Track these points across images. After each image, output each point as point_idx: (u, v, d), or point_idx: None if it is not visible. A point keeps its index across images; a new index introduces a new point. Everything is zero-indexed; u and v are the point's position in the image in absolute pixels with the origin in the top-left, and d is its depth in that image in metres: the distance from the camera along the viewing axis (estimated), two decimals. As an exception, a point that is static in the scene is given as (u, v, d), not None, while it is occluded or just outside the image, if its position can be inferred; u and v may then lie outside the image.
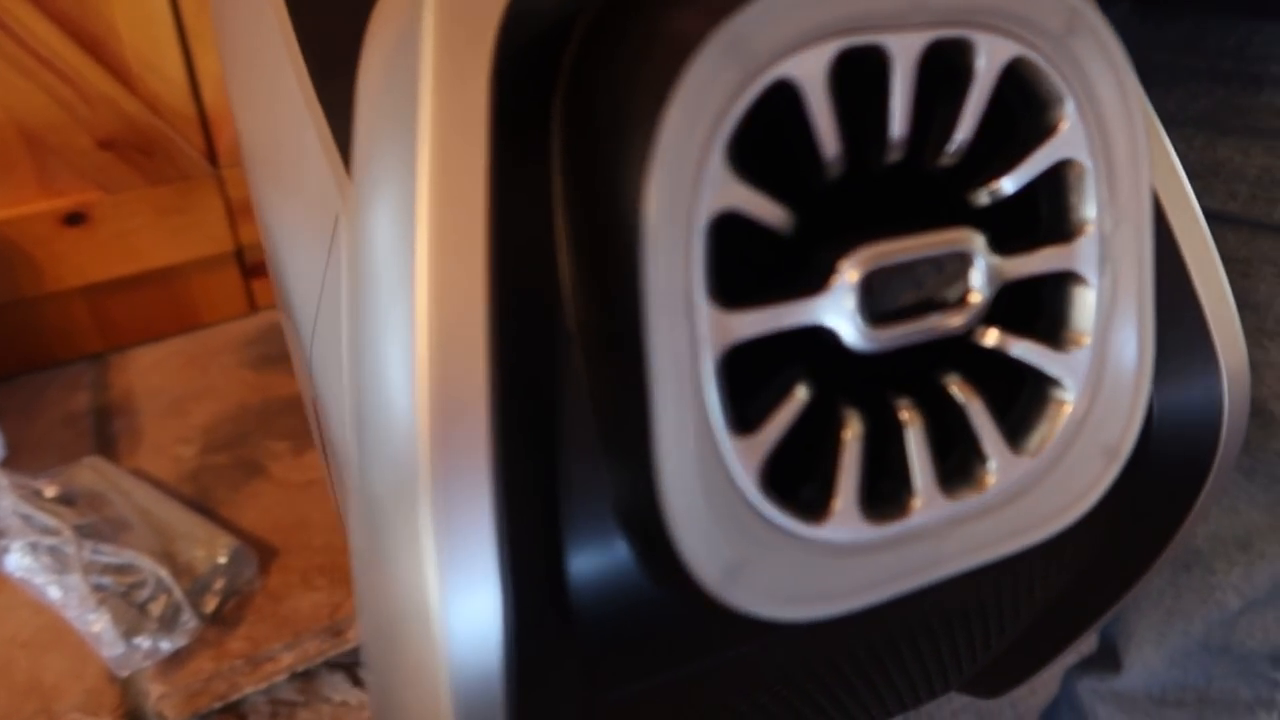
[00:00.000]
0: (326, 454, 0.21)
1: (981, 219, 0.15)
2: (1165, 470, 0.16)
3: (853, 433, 0.15)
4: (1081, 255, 0.16)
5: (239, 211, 0.83)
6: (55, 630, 0.62)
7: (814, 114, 0.14)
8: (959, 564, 0.16)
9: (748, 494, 0.14)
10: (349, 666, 0.76)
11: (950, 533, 0.15)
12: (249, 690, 0.63)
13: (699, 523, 0.14)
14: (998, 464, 0.16)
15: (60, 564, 0.58)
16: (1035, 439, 0.16)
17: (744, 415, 0.14)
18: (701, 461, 0.14)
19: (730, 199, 0.14)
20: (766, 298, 0.14)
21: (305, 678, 0.73)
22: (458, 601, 0.13)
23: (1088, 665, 0.65)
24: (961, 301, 0.15)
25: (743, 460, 0.14)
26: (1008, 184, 0.16)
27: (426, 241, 0.13)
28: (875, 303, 0.14)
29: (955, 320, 0.15)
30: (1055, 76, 0.15)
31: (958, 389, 0.16)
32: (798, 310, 0.14)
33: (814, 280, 0.14)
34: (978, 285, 0.15)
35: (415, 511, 0.13)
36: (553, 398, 0.14)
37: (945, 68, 0.15)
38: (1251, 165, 0.44)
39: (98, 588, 0.57)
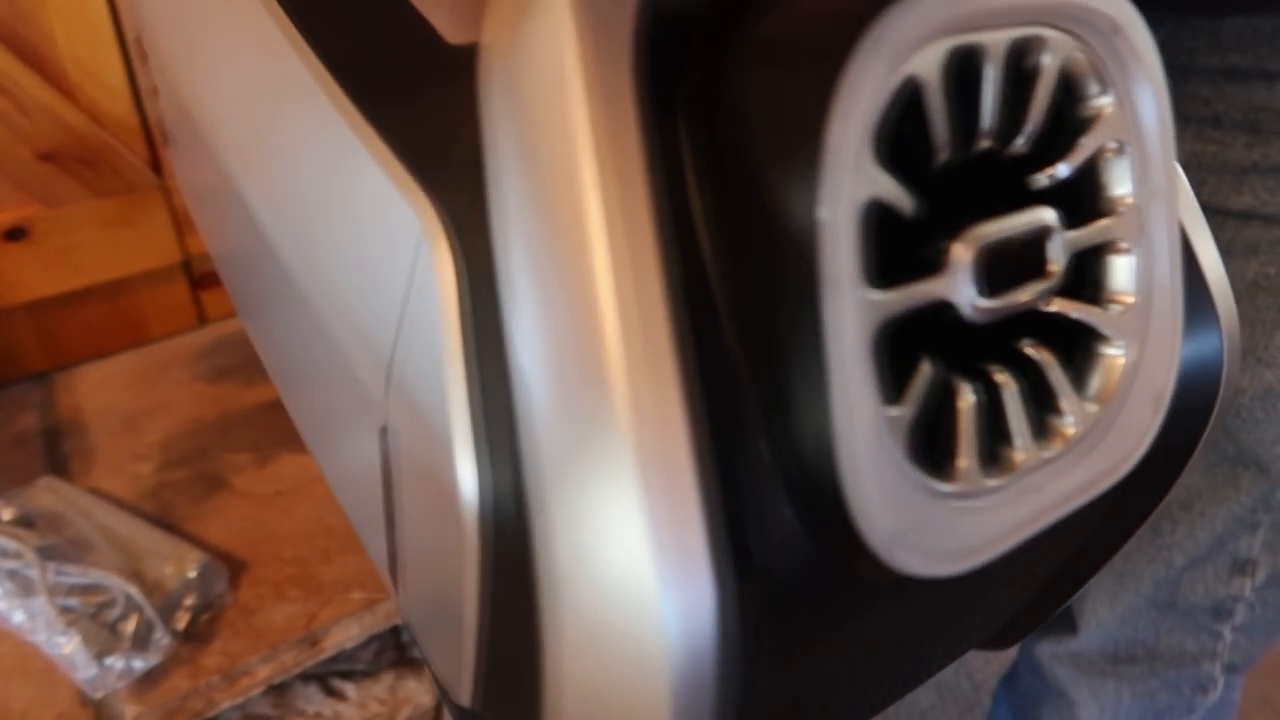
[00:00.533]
0: (392, 479, 0.21)
1: (1040, 199, 0.17)
2: (1178, 416, 0.18)
3: (967, 401, 0.16)
4: (1124, 227, 0.18)
5: (187, 222, 0.81)
6: (19, 656, 0.60)
7: (933, 107, 0.15)
8: (1057, 512, 0.17)
9: (903, 462, 0.15)
10: (322, 677, 0.75)
11: (1047, 484, 0.17)
12: (225, 706, 0.62)
13: (870, 493, 0.15)
14: (1074, 417, 0.18)
15: (23, 588, 0.57)
16: (1099, 392, 0.18)
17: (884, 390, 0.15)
18: (870, 435, 0.15)
19: (876, 188, 0.15)
20: (899, 278, 0.15)
21: (278, 691, 0.72)
22: (673, 583, 0.14)
23: (1046, 629, 0.68)
24: (1046, 273, 0.17)
25: (893, 432, 0.15)
26: (1064, 168, 0.17)
27: (605, 248, 0.14)
28: (986, 278, 0.16)
29: (1043, 289, 0.17)
30: (1104, 70, 0.17)
31: (1034, 351, 0.17)
32: (930, 288, 0.16)
33: (934, 260, 0.16)
34: (1057, 257, 0.17)
35: (630, 502, 0.14)
36: (719, 382, 0.15)
37: (1013, 64, 0.16)
38: (1180, 151, 0.47)
39: (65, 610, 0.56)
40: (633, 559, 0.14)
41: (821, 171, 0.14)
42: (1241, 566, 0.59)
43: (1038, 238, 0.17)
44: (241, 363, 0.85)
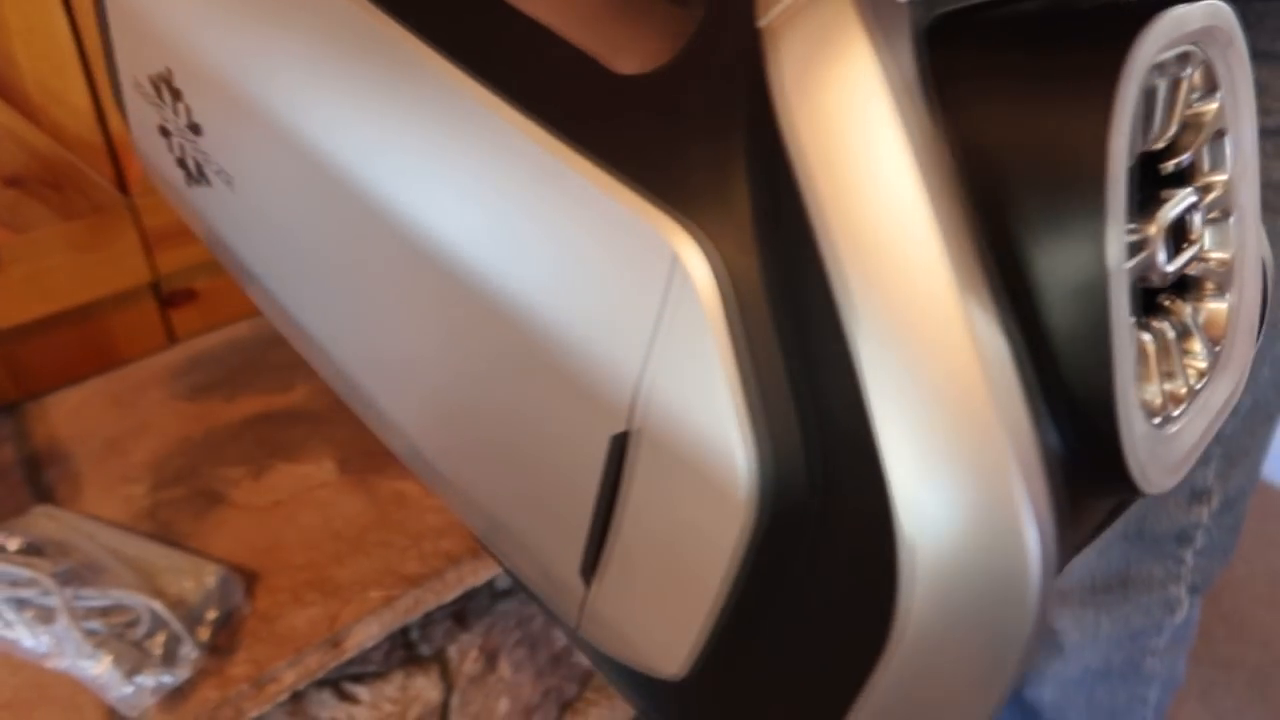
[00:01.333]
0: (621, 479, 0.23)
1: (1171, 182, 0.21)
2: None
3: (1150, 348, 0.21)
4: (1226, 200, 0.22)
5: (156, 241, 0.80)
6: (37, 685, 0.60)
7: (1157, 112, 0.19)
8: (1212, 432, 0.22)
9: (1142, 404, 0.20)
10: (335, 682, 0.76)
11: (1204, 407, 0.22)
12: (253, 715, 0.63)
13: (1134, 431, 0.19)
14: (1205, 353, 0.22)
15: (43, 615, 0.56)
16: (1217, 332, 0.22)
17: None
18: (1133, 390, 0.19)
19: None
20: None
21: (294, 699, 0.72)
22: (1034, 530, 0.18)
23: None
24: (1191, 239, 0.22)
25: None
26: (1187, 157, 0.22)
27: (945, 255, 0.17)
28: (1169, 246, 0.21)
29: (1193, 253, 0.22)
30: (1216, 74, 0.21)
31: (1171, 304, 0.22)
32: (1151, 264, 0.20)
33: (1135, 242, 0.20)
34: (1198, 227, 0.21)
35: (1006, 478, 0.18)
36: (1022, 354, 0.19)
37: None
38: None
39: (90, 633, 0.56)
40: (1006, 518, 0.18)
41: (1107, 175, 0.18)
42: (1199, 495, 0.65)
43: (1191, 212, 0.21)
44: (220, 379, 0.85)
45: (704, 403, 0.20)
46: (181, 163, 0.40)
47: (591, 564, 0.26)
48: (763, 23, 0.19)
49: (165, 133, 0.40)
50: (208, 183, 0.38)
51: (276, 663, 0.62)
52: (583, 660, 0.97)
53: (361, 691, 0.77)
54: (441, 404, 0.30)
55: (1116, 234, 0.18)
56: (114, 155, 0.76)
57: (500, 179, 0.24)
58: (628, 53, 0.23)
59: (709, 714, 0.27)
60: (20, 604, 0.57)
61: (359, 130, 0.28)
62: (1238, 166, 0.22)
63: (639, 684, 0.29)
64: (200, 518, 0.71)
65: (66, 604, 0.56)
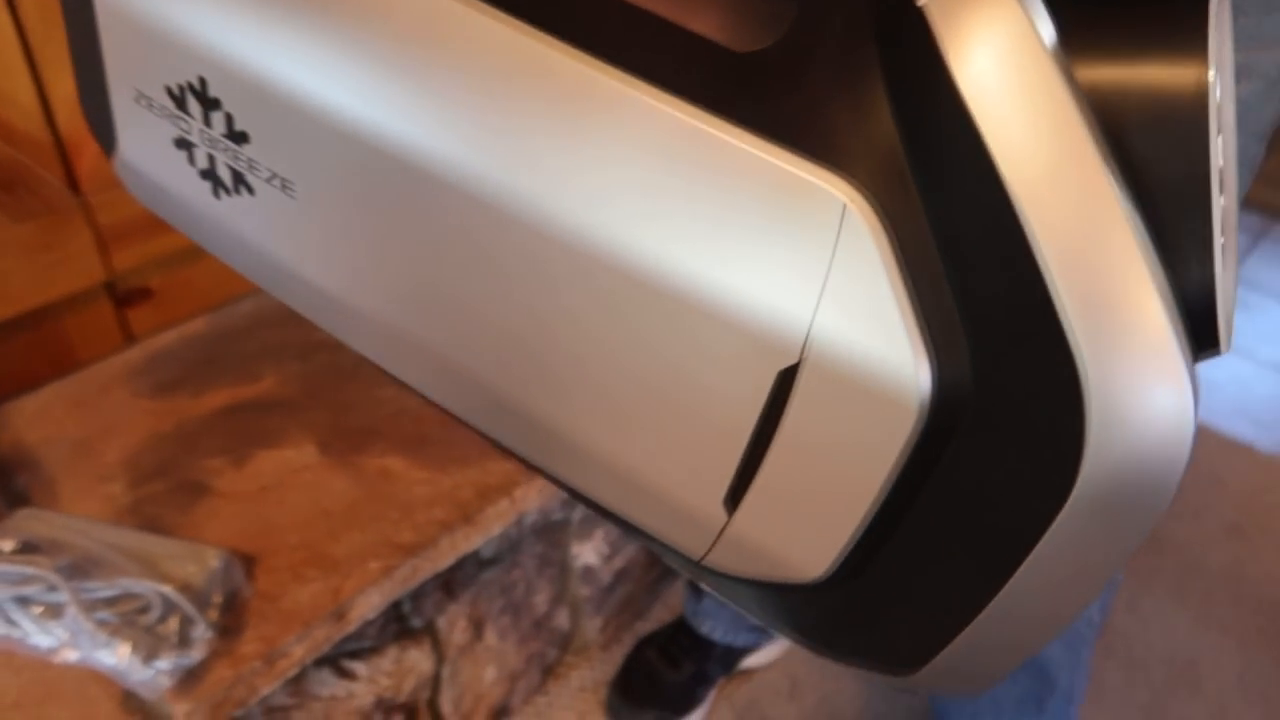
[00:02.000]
0: (788, 407, 0.27)
1: None
2: None
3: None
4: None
5: (109, 239, 0.79)
6: (43, 684, 0.60)
7: None
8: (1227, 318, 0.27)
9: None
10: (333, 659, 0.77)
11: (1224, 295, 0.26)
12: (265, 691, 0.64)
13: (1224, 309, 0.24)
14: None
15: (51, 611, 0.57)
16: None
17: None
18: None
19: None
20: None
21: (295, 680, 0.73)
22: (1188, 378, 0.24)
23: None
24: None
25: None
26: None
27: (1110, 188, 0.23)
28: None
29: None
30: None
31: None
32: None
33: None
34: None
35: (1169, 348, 0.23)
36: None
37: None
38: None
39: (101, 623, 0.56)
40: (1171, 379, 0.23)
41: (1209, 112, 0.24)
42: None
43: None
44: (183, 375, 0.84)
45: (877, 325, 0.24)
46: (209, 174, 0.39)
47: (738, 492, 0.29)
48: (922, 2, 0.23)
49: (184, 145, 0.39)
50: (249, 192, 0.38)
51: (286, 638, 0.63)
52: (562, 625, 1.01)
53: (359, 667, 0.78)
54: (575, 376, 0.32)
55: (1214, 146, 0.24)
56: (64, 154, 0.75)
57: (655, 159, 0.27)
58: (729, 34, 0.26)
59: (849, 606, 0.31)
60: (25, 602, 0.57)
61: (495, 136, 0.29)
62: (1223, 89, 0.26)
63: (769, 598, 0.32)
64: (187, 509, 0.71)
65: (75, 597, 0.56)
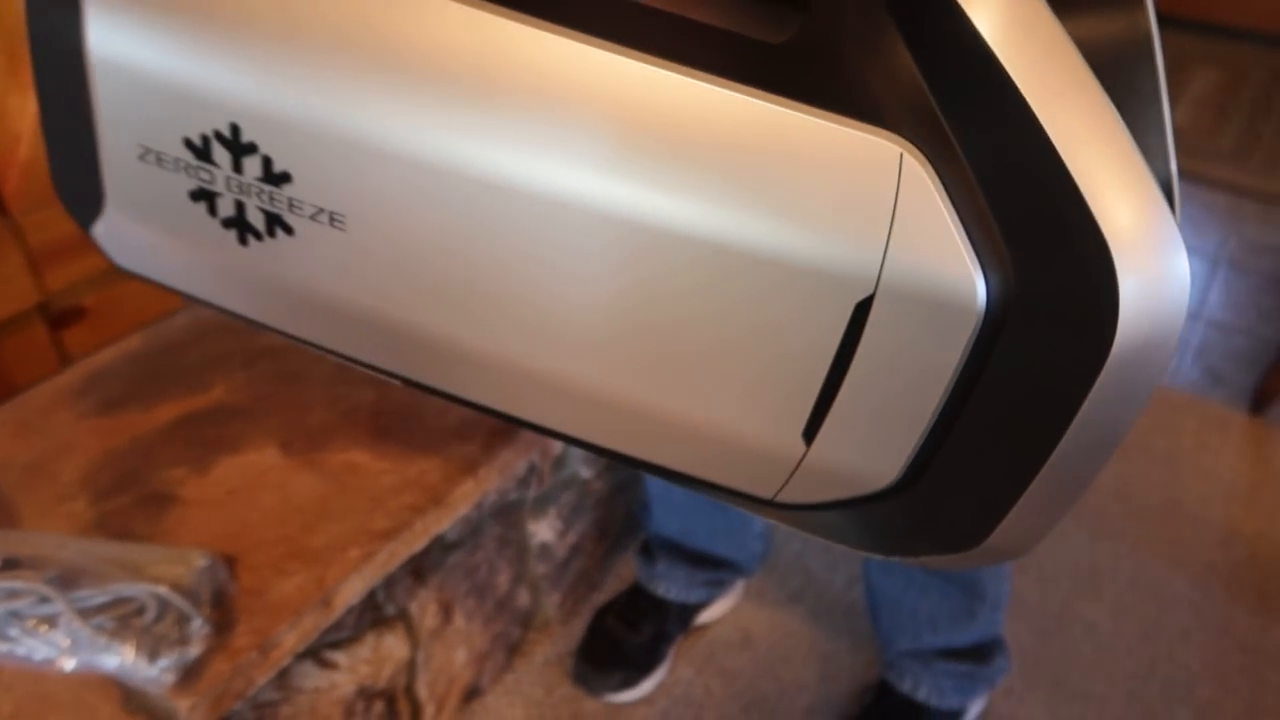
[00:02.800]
0: (862, 338, 0.32)
1: None
2: None
3: None
4: None
5: (41, 260, 0.79)
6: (39, 697, 0.60)
7: None
8: None
9: None
10: (316, 651, 0.79)
11: None
12: (261, 682, 0.66)
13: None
14: None
15: (46, 621, 0.57)
16: None
17: None
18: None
19: None
20: None
21: (280, 675, 0.75)
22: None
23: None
24: None
25: None
26: None
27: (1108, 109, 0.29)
28: None
29: None
30: None
31: None
32: None
33: None
34: None
35: (1173, 230, 0.30)
36: None
37: None
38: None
39: (99, 628, 0.57)
40: (1172, 235, 0.29)
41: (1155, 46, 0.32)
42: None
43: None
44: (128, 392, 0.84)
45: (938, 250, 0.29)
46: (236, 222, 0.38)
47: (816, 423, 0.34)
48: None
49: (204, 196, 0.38)
50: (286, 233, 0.38)
51: (278, 628, 0.65)
52: (523, 603, 1.04)
53: (339, 657, 0.80)
54: (646, 352, 0.35)
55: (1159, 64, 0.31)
56: (-10, 176, 0.74)
57: (741, 144, 0.31)
58: (775, 27, 0.31)
59: (915, 505, 0.35)
60: (17, 616, 0.57)
61: (554, 141, 0.32)
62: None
63: (839, 517, 0.36)
64: (156, 519, 0.72)
65: (69, 606, 0.57)
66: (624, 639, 1.02)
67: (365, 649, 0.83)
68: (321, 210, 0.36)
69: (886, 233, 0.30)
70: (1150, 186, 0.28)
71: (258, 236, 0.38)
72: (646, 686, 1.02)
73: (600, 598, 1.13)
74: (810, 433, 0.35)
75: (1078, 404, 0.31)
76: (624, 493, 1.14)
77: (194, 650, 0.60)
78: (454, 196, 0.34)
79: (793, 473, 0.36)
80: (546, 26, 0.31)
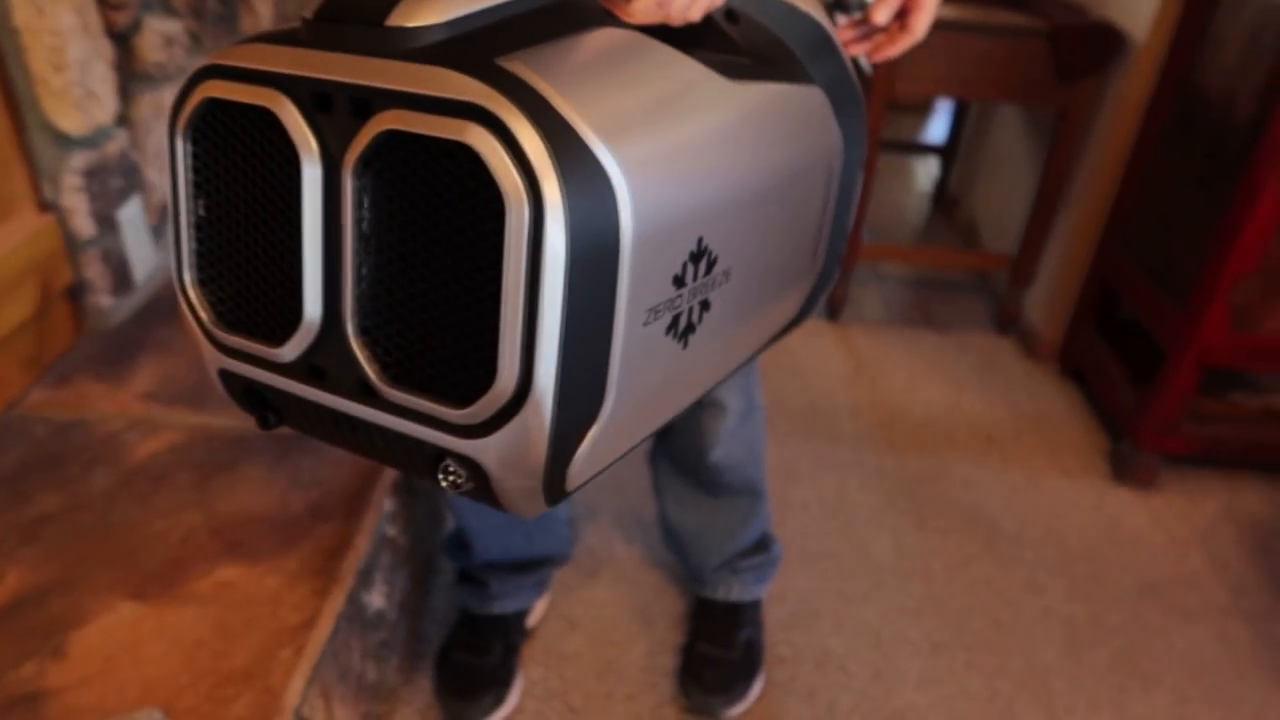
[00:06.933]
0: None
1: None
2: None
3: None
4: None
5: None
6: None
7: None
8: None
9: None
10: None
11: None
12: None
13: None
14: None
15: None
16: None
17: None
18: None
19: None
20: None
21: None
22: None
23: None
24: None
25: None
26: None
27: None
28: None
29: None
30: None
31: None
32: None
33: None
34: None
35: None
36: None
37: None
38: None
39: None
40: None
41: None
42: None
43: None
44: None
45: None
46: (686, 331, 0.38)
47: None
48: None
49: (674, 324, 0.38)
50: (706, 312, 0.40)
51: None
52: (371, 678, 1.04)
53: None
54: (769, 248, 0.45)
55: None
56: None
57: (777, 116, 0.44)
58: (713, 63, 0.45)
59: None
60: None
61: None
62: None
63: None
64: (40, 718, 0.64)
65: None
66: (479, 664, 1.08)
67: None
68: (724, 272, 0.40)
69: (834, 134, 0.49)
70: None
71: (691, 331, 0.39)
72: (514, 697, 1.09)
73: (428, 649, 1.16)
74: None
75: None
76: (421, 542, 1.18)
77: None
78: (762, 204, 0.42)
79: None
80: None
